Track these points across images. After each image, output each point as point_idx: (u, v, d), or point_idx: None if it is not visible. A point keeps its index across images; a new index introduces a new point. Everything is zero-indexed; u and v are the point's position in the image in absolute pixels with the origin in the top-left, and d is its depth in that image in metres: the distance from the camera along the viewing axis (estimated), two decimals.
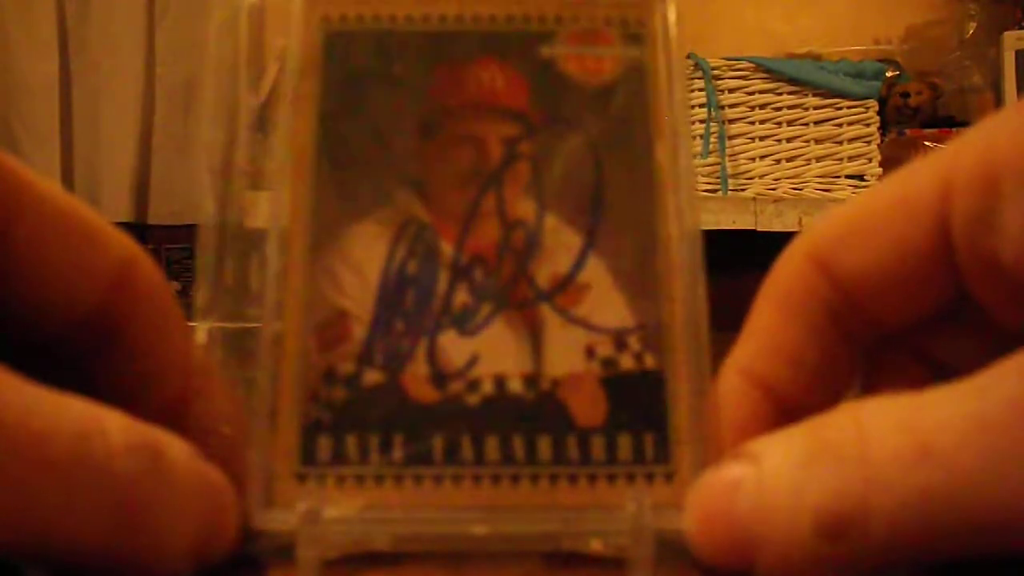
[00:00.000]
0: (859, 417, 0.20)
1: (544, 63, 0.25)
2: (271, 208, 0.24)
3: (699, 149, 1.34)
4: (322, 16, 0.25)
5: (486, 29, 0.26)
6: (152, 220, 1.99)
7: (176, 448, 0.19)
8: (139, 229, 1.96)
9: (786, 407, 0.23)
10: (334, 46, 0.25)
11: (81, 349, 0.22)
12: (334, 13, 0.26)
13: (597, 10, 0.26)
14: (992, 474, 0.18)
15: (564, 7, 0.26)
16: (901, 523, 0.18)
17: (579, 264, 0.24)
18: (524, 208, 0.24)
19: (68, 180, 1.96)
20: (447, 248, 0.24)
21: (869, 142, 1.39)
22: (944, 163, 0.22)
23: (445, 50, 0.25)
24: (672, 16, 0.26)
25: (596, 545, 0.22)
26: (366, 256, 0.24)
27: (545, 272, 0.24)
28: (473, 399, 0.23)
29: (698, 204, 0.24)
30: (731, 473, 0.21)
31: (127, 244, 0.22)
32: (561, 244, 0.24)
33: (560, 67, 0.25)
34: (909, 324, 0.23)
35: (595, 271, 0.24)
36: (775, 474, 0.20)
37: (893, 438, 0.19)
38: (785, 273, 0.24)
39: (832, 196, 1.37)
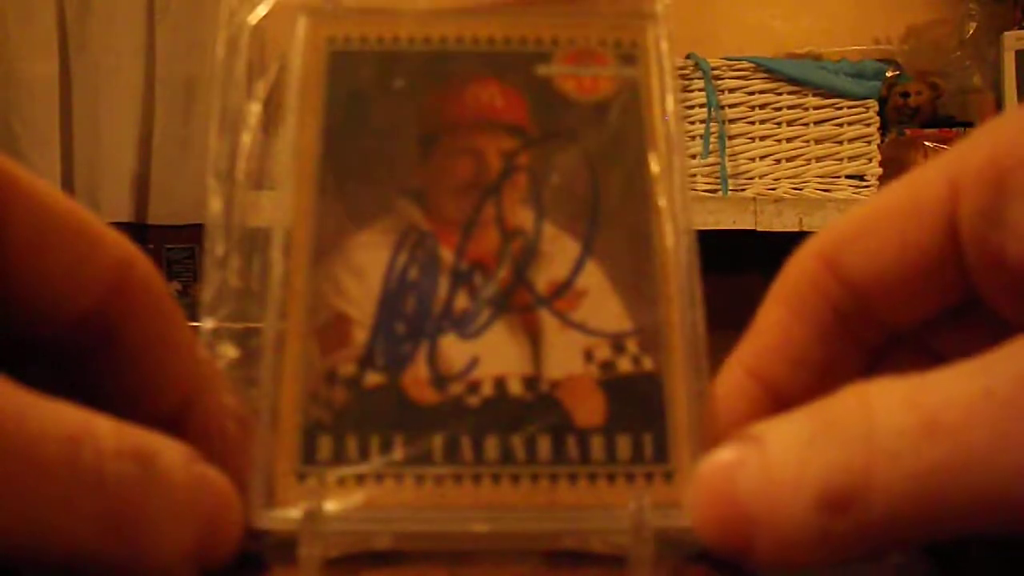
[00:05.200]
0: (865, 395, 0.19)
1: (541, 82, 0.26)
2: (275, 215, 0.24)
3: (699, 149, 1.33)
4: (326, 36, 0.26)
5: (485, 50, 0.26)
6: (152, 220, 1.99)
7: (171, 452, 0.20)
8: (139, 229, 1.96)
9: (787, 406, 0.23)
10: (338, 64, 0.26)
11: (81, 351, 0.22)
12: (338, 33, 0.26)
13: (592, 31, 0.27)
14: (998, 450, 0.18)
15: (560, 29, 0.26)
16: (905, 498, 0.18)
17: (577, 270, 0.24)
18: (523, 217, 0.25)
19: (68, 180, 1.95)
20: (447, 255, 0.24)
21: (869, 142, 1.38)
22: (952, 164, 0.22)
23: (445, 70, 0.26)
24: (665, 36, 0.26)
25: (596, 544, 0.22)
26: (368, 262, 0.24)
27: (544, 278, 0.24)
28: (473, 400, 0.23)
29: (692, 211, 0.25)
30: (733, 454, 0.21)
31: (124, 245, 0.22)
32: (559, 251, 0.25)
33: (557, 85, 0.26)
34: (917, 324, 0.23)
35: (593, 277, 0.24)
36: (778, 452, 0.20)
37: (899, 414, 0.19)
38: (795, 273, 0.24)
39: (832, 196, 1.37)
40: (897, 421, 0.19)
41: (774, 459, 0.20)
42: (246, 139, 0.25)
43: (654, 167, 0.25)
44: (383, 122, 0.26)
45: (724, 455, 0.21)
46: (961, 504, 0.18)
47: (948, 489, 0.18)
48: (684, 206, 0.25)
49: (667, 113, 0.26)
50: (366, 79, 0.26)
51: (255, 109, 0.25)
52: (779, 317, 0.24)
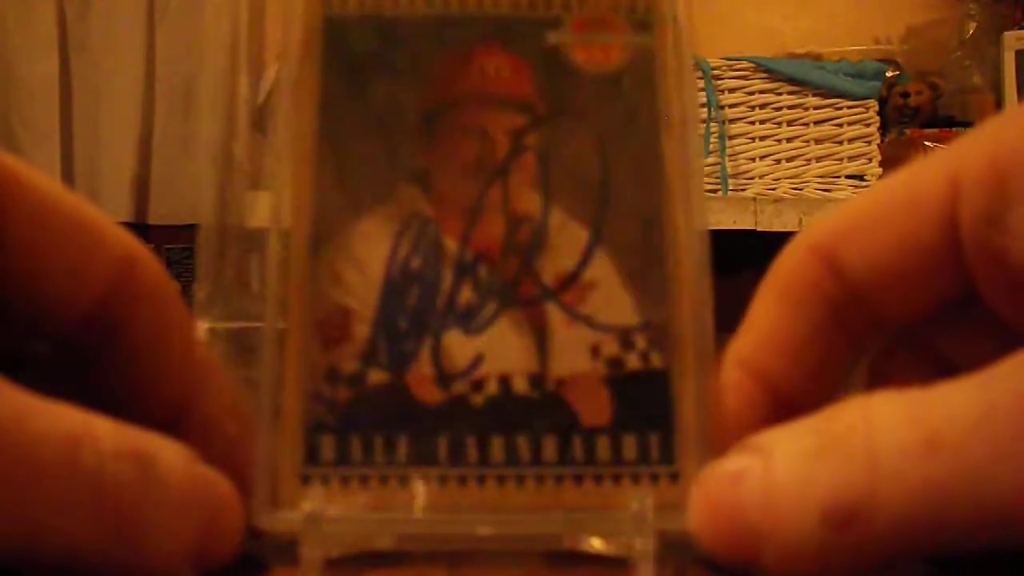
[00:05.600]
0: (867, 410, 0.20)
1: (550, 51, 0.25)
2: (272, 203, 0.24)
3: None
4: None
5: (491, 14, 0.25)
6: (152, 220, 1.99)
7: (170, 453, 0.20)
8: (139, 229, 1.96)
9: (783, 399, 0.23)
10: (335, 31, 0.24)
11: (83, 349, 0.22)
12: None
13: None
14: (999, 466, 0.18)
15: None
16: (908, 515, 0.18)
17: (585, 260, 0.24)
18: (530, 202, 0.24)
19: (68, 180, 1.96)
20: (451, 244, 0.24)
21: (869, 142, 1.39)
22: (952, 161, 0.22)
23: (449, 36, 0.25)
24: (682, 1, 0.25)
25: (600, 545, 0.22)
26: (369, 253, 0.24)
27: (551, 269, 0.24)
28: (478, 399, 0.23)
29: (704, 198, 0.24)
30: (737, 464, 0.20)
31: (128, 241, 0.22)
32: (567, 239, 0.24)
33: (567, 55, 0.25)
34: (912, 319, 0.23)
35: (601, 267, 0.24)
36: (783, 466, 0.20)
37: (900, 431, 0.19)
38: (787, 265, 0.24)
39: (832, 196, 1.37)
40: (899, 438, 0.19)
41: (778, 473, 0.20)
42: (241, 115, 0.24)
43: (667, 149, 0.24)
44: (383, 96, 0.24)
45: (727, 465, 0.21)
46: (963, 521, 0.18)
47: (950, 506, 0.18)
48: (697, 192, 0.24)
49: (682, 88, 0.24)
50: (365, 47, 0.25)
51: (250, 82, 0.24)
52: (772, 310, 0.24)
